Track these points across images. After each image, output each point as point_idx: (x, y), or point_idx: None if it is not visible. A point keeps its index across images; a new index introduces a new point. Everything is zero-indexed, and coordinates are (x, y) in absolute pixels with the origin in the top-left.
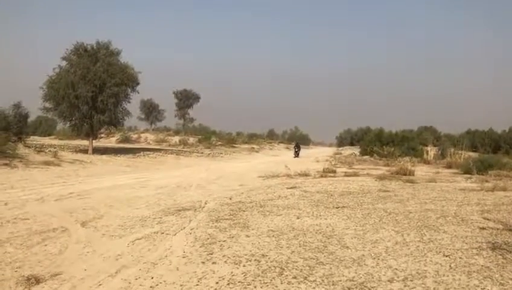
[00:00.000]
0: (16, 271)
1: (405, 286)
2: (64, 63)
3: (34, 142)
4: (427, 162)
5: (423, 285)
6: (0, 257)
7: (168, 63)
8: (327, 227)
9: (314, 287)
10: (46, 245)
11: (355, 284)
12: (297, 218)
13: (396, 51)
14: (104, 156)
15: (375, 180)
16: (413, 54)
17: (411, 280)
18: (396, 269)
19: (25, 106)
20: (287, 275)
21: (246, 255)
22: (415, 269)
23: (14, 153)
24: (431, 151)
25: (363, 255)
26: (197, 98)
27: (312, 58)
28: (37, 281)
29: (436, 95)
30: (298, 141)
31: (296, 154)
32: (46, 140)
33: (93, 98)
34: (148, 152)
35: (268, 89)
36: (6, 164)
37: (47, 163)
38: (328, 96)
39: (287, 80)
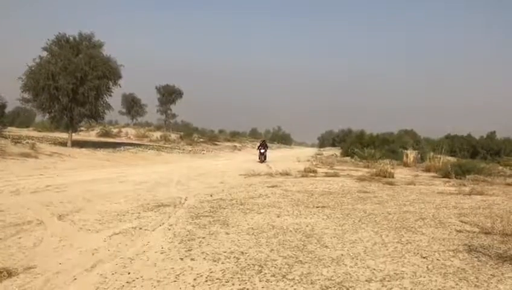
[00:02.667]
0: None
1: (383, 286)
2: (45, 54)
3: (11, 133)
4: (406, 165)
5: (400, 285)
6: None
7: (150, 58)
8: (307, 226)
9: (292, 286)
10: (20, 238)
11: (333, 284)
12: (278, 216)
13: (380, 54)
14: (83, 150)
15: (355, 181)
16: (395, 58)
17: (389, 281)
18: (374, 269)
19: (2, 95)
20: (265, 273)
21: (225, 252)
22: (393, 270)
23: None
24: (411, 154)
25: (342, 254)
26: (179, 93)
27: (294, 59)
28: (9, 274)
29: (417, 100)
30: (265, 139)
31: (262, 157)
32: (24, 132)
33: (73, 90)
34: (129, 147)
35: (251, 88)
36: None
37: (24, 155)
38: (311, 97)
39: (270, 80)
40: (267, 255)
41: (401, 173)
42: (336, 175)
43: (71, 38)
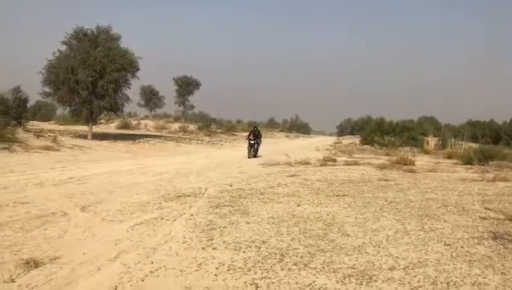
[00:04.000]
0: (15, 254)
1: (406, 274)
2: (64, 48)
3: (33, 127)
4: (427, 152)
5: (424, 273)
6: None
7: (169, 50)
8: (328, 215)
9: (314, 274)
10: (45, 229)
11: (356, 272)
12: (298, 205)
13: (397, 40)
14: (103, 142)
15: (376, 169)
16: (414, 44)
17: (412, 269)
18: (397, 257)
19: (25, 90)
20: (287, 262)
21: (246, 241)
22: (416, 258)
23: (13, 137)
24: (431, 141)
25: (364, 243)
26: (197, 84)
27: (312, 47)
28: (36, 264)
29: (438, 86)
30: (257, 126)
31: (252, 151)
32: (46, 125)
33: (93, 83)
34: (148, 139)
35: (269, 77)
36: (5, 148)
37: (46, 148)
38: (329, 85)
39: (288, 69)
40: (288, 244)
41: (422, 161)
42: (355, 163)
43: (89, 31)
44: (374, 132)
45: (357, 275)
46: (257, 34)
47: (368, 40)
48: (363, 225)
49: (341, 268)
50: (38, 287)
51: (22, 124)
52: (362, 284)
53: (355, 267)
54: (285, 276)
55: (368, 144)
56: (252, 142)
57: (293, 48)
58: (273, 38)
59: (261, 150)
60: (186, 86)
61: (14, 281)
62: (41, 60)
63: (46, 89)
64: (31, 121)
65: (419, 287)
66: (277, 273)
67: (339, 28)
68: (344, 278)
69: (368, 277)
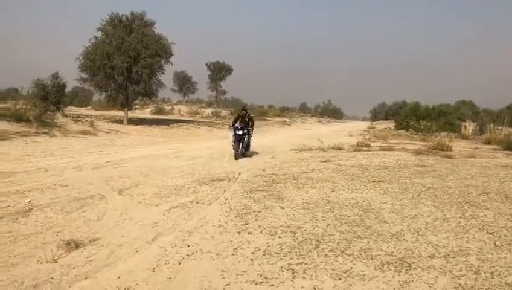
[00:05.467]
0: (56, 235)
1: (447, 262)
2: (100, 34)
3: (71, 112)
4: (464, 138)
5: (466, 262)
6: (41, 222)
7: (202, 35)
8: (363, 201)
9: (351, 261)
10: (84, 211)
11: (394, 259)
12: (332, 191)
13: (433, 23)
14: (138, 127)
15: (412, 155)
16: (451, 29)
17: (453, 257)
18: (437, 245)
19: (63, 76)
20: (323, 248)
21: (281, 226)
22: (457, 246)
23: (52, 122)
24: (469, 126)
25: (402, 230)
26: (229, 70)
27: (347, 32)
28: (77, 245)
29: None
30: (246, 109)
31: (240, 148)
32: (83, 110)
33: (128, 69)
34: (182, 124)
35: (302, 62)
36: (45, 133)
37: (84, 132)
38: (363, 69)
39: (321, 53)
40: (324, 230)
41: (459, 146)
42: (390, 149)
43: (124, 17)
44: (409, 117)
45: (395, 262)
46: (290, 19)
47: (403, 21)
48: (400, 212)
49: (379, 255)
50: (79, 268)
51: (60, 110)
52: (401, 271)
53: (393, 254)
54: (321, 262)
55: (402, 129)
56: (240, 132)
57: (328, 33)
58: (307, 24)
59: (289, 136)
60: (219, 72)
61: (56, 262)
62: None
63: (83, 75)
64: (69, 107)
65: (461, 276)
66: (313, 259)
67: (374, 12)
68: (382, 266)
69: (407, 265)
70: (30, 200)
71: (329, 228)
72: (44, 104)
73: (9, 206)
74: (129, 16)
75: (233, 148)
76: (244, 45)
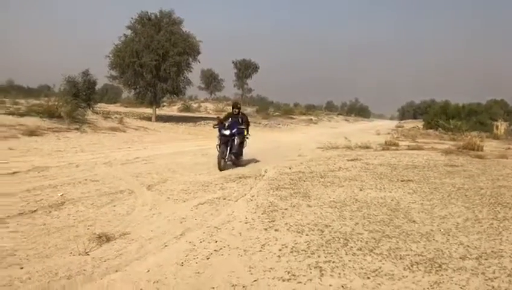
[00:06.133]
0: (88, 229)
1: (479, 264)
2: (129, 32)
3: (101, 109)
4: (496, 137)
5: (499, 265)
6: (73, 215)
7: (228, 34)
8: (392, 200)
9: (380, 260)
10: (114, 206)
11: (424, 260)
12: (360, 190)
13: (468, 22)
14: (166, 124)
15: (441, 154)
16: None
17: (486, 259)
18: (468, 246)
19: (93, 73)
20: (351, 247)
21: (308, 224)
22: (490, 248)
23: (83, 118)
24: (501, 126)
25: (432, 230)
26: (256, 68)
27: (373, 29)
28: (108, 239)
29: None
30: (239, 104)
31: (228, 154)
32: (112, 107)
33: (156, 67)
34: (208, 121)
35: (328, 60)
36: (76, 129)
37: (113, 129)
38: (391, 67)
39: (347, 51)
40: (352, 228)
41: (490, 146)
42: (419, 148)
43: (153, 15)
44: (438, 116)
45: (425, 262)
46: (316, 20)
47: (432, 20)
48: (430, 212)
49: (408, 255)
50: (110, 261)
51: (91, 106)
52: (431, 272)
53: (423, 254)
54: (349, 261)
55: (431, 129)
56: (226, 132)
57: (354, 31)
58: (334, 22)
59: (315, 134)
60: (245, 69)
61: (88, 254)
62: None
63: (113, 73)
64: (99, 104)
65: (495, 278)
66: (341, 257)
67: (402, 12)
68: (412, 266)
69: (437, 265)
70: (62, 194)
71: (357, 227)
72: (76, 101)
73: (42, 199)
74: (158, 14)
75: (220, 154)
76: (271, 42)
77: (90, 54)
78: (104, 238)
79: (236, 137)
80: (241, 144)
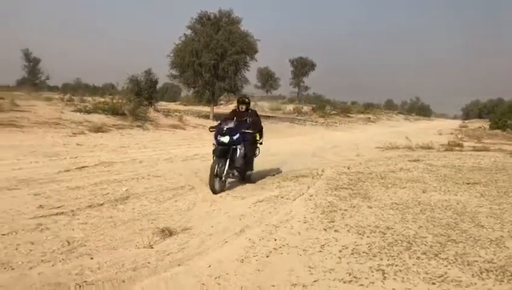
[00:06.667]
0: (151, 223)
1: None
2: (189, 32)
3: (162, 107)
4: None
5: None
6: (138, 209)
7: (284, 31)
8: (457, 203)
9: (446, 265)
10: (176, 201)
11: (494, 267)
12: (423, 192)
13: None
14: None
15: (510, 156)
16: None
17: None
18: None
19: (155, 72)
20: (415, 250)
21: (369, 226)
22: None
23: (145, 116)
24: None
25: (502, 236)
26: (312, 65)
27: (435, 23)
28: (170, 233)
29: None
30: (247, 99)
31: (224, 162)
32: (172, 105)
33: (215, 66)
34: (263, 119)
35: (388, 57)
36: (139, 126)
37: (173, 126)
38: (454, 63)
39: (408, 48)
40: (416, 232)
41: None
42: (485, 149)
43: (212, 15)
44: (506, 115)
45: (496, 270)
46: (375, 12)
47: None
48: (499, 217)
49: (476, 261)
50: (173, 255)
51: (152, 104)
52: (503, 281)
53: (493, 261)
54: (413, 265)
55: (499, 129)
56: (224, 140)
57: (417, 28)
58: (395, 17)
59: (373, 134)
60: (302, 68)
61: (152, 247)
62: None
63: (173, 72)
64: (160, 102)
65: None
66: (404, 261)
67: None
68: (481, 273)
69: (509, 274)
70: (127, 189)
71: (421, 230)
72: (138, 99)
73: (108, 193)
74: (217, 13)
75: (212, 170)
76: (329, 39)
77: (151, 53)
78: (167, 232)
79: (239, 146)
80: (250, 156)
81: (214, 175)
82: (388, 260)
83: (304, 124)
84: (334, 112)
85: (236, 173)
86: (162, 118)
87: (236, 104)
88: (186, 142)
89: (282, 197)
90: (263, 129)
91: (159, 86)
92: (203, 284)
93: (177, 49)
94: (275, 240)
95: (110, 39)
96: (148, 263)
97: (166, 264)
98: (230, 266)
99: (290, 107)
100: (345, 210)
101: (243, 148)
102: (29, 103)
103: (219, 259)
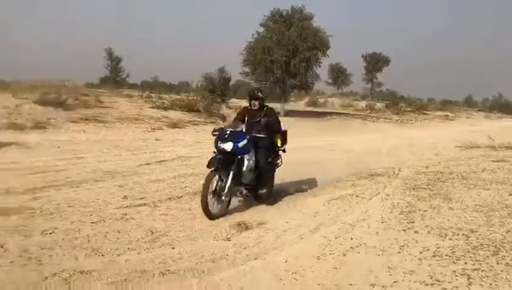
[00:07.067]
0: (227, 216)
1: None
2: (261, 29)
3: (234, 104)
4: None
5: None
6: None
7: (358, 26)
8: None
9: None
10: (249, 196)
11: None
12: (510, 194)
13: None
14: (293, 119)
15: None
16: None
17: None
18: None
19: (228, 70)
20: (503, 256)
21: (451, 228)
22: None
23: (218, 112)
24: None
25: None
26: (386, 61)
27: None
28: (246, 227)
29: None
30: (261, 97)
31: (224, 175)
32: (243, 102)
33: (286, 63)
34: (335, 116)
35: (466, 51)
36: (212, 122)
37: None
38: None
39: (491, 43)
40: (503, 236)
41: None
42: None
43: (284, 12)
44: None
45: None
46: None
47: None
48: None
49: None
50: (249, 248)
51: (225, 101)
52: None
53: None
54: (502, 271)
55: None
56: (226, 147)
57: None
58: (479, 12)
59: (452, 132)
60: (375, 63)
61: (229, 240)
62: None
63: (246, 69)
64: (231, 99)
65: None
66: (492, 266)
67: None
68: None
69: None
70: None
71: (509, 235)
72: (212, 96)
73: (186, 187)
74: (289, 10)
75: (204, 190)
76: (404, 33)
77: (224, 51)
78: (243, 226)
79: (247, 156)
80: (265, 167)
81: (212, 192)
82: (473, 265)
83: (377, 121)
84: (409, 109)
85: (244, 192)
86: (234, 115)
87: (248, 100)
88: None
89: (357, 196)
90: (287, 133)
91: (231, 83)
92: (280, 279)
93: (250, 47)
94: (351, 239)
95: (183, 37)
96: (227, 255)
97: (243, 258)
98: (306, 262)
99: (362, 103)
100: (425, 211)
101: (253, 159)
102: (111, 100)
103: (295, 255)
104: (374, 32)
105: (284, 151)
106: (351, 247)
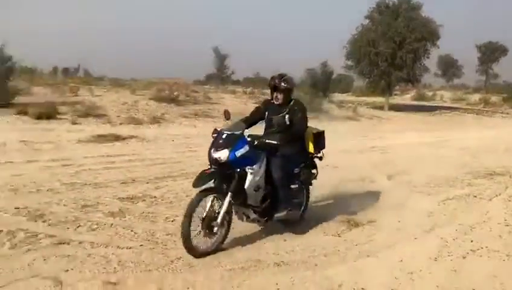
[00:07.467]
0: (335, 211)
1: None
2: (366, 22)
3: (335, 98)
4: None
5: None
6: (319, 198)
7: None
8: None
9: None
10: (355, 194)
11: None
12: None
13: None
14: (399, 113)
15: None
16: None
17: None
18: None
19: (330, 64)
20: None
21: None
22: None
23: (320, 107)
24: None
25: None
26: (504, 50)
27: None
28: (356, 224)
29: None
30: (287, 88)
31: (220, 188)
32: (344, 96)
33: (392, 55)
34: (444, 111)
35: None
36: (315, 117)
37: (347, 118)
38: None
39: None
40: None
41: None
42: None
43: (390, 2)
44: None
45: None
46: None
47: None
48: None
49: None
50: (361, 245)
51: (326, 96)
52: None
53: None
54: None
55: None
56: (221, 155)
57: None
58: None
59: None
60: (491, 53)
61: (340, 236)
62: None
63: (349, 63)
64: (333, 93)
65: None
66: None
67: None
68: None
69: None
70: None
71: None
72: (314, 91)
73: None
74: (396, 0)
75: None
76: None
77: (326, 44)
78: (353, 223)
79: (250, 169)
80: (287, 184)
81: (201, 220)
82: None
83: (492, 116)
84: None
85: (253, 216)
86: (336, 109)
87: (270, 90)
88: (361, 133)
89: (474, 196)
90: (323, 135)
91: (333, 77)
92: (395, 277)
93: (354, 40)
94: (471, 241)
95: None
96: (338, 250)
97: (355, 254)
98: (422, 263)
99: (475, 97)
100: None
101: (261, 172)
102: (218, 96)
103: (410, 255)
104: (490, 19)
105: (320, 159)
106: (471, 250)
